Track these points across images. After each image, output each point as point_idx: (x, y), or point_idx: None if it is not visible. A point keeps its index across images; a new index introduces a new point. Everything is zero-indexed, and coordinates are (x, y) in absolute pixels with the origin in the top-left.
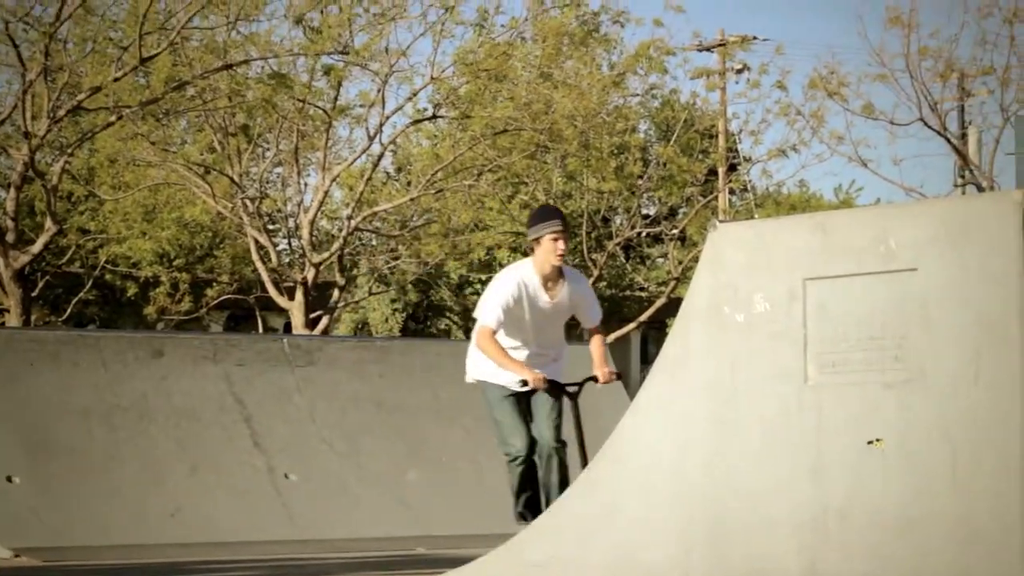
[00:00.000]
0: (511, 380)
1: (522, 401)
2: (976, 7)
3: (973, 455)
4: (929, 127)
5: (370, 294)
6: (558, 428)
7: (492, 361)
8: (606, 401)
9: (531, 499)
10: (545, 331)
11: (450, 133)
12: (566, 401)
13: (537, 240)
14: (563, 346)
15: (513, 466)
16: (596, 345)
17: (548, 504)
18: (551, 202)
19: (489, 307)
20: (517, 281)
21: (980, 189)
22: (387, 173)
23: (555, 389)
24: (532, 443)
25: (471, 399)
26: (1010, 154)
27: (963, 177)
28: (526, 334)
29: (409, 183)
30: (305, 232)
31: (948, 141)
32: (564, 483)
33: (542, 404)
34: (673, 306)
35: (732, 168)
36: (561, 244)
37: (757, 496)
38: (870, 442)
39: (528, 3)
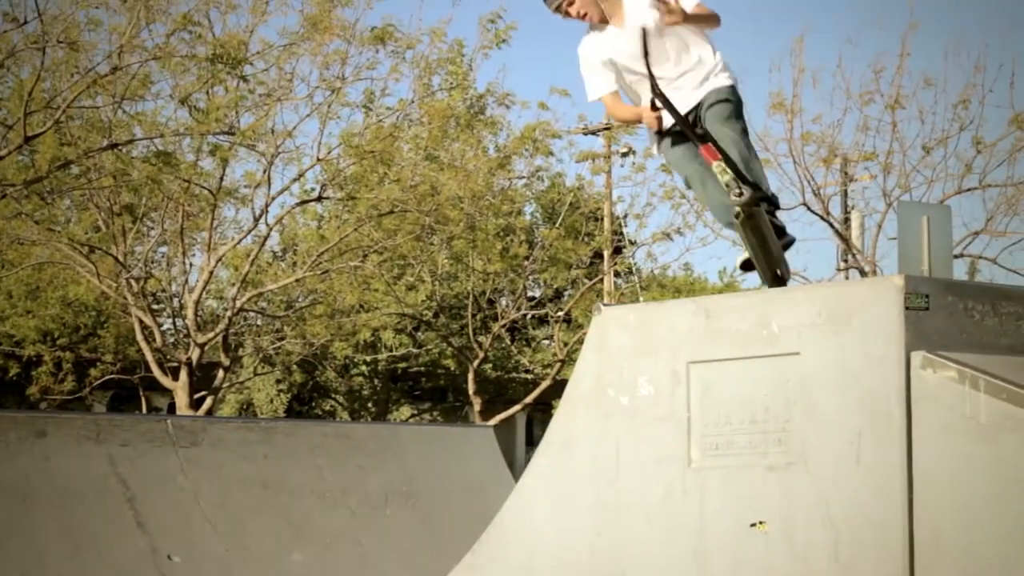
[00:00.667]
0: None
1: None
2: (858, 93)
3: (855, 536)
4: (812, 212)
5: (255, 374)
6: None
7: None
8: (490, 481)
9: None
10: (660, 61)
11: (336, 214)
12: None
13: (557, 11)
14: (704, 64)
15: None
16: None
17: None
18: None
19: (586, 86)
20: (583, 46)
21: (863, 274)
22: (273, 253)
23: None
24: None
25: (356, 480)
26: (892, 239)
27: (846, 261)
28: (647, 78)
29: (295, 264)
30: (190, 312)
31: (831, 226)
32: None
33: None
34: (558, 388)
35: (617, 251)
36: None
37: None
38: (753, 525)
39: (415, 85)
